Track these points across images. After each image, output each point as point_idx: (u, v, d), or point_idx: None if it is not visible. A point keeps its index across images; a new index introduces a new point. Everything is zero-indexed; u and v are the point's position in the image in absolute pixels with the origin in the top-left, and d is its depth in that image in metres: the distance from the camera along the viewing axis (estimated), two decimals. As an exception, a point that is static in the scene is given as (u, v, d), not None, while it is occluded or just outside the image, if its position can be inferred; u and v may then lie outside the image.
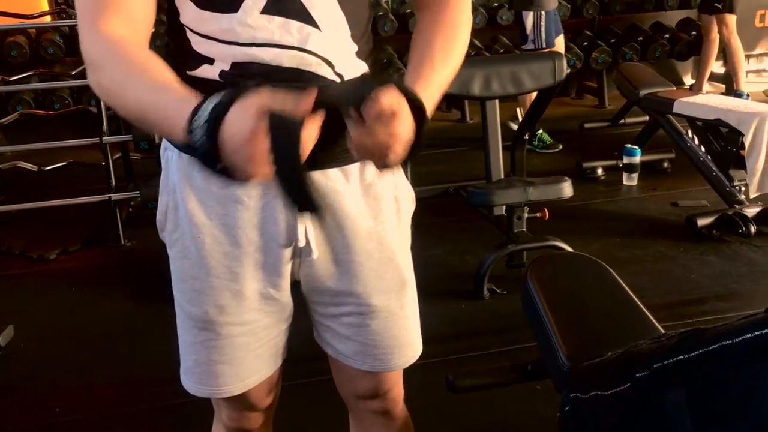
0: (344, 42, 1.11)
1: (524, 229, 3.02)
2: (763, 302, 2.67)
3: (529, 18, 4.68)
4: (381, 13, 5.43)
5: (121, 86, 0.99)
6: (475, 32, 5.89)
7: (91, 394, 2.43)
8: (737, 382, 0.84)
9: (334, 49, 1.10)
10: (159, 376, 2.32)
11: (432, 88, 1.08)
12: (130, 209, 3.78)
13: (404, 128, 0.94)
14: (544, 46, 4.65)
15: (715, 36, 5.66)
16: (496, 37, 5.94)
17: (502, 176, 3.39)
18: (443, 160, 4.47)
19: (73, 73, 3.92)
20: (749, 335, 0.83)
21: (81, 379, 2.52)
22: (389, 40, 5.49)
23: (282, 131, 0.85)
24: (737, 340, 0.84)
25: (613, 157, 4.32)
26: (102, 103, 4.08)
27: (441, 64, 1.12)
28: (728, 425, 0.84)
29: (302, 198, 0.91)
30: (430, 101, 1.05)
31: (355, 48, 1.13)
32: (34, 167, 3.90)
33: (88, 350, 2.71)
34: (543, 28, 4.66)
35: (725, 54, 5.98)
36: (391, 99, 0.93)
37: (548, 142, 4.87)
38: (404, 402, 1.43)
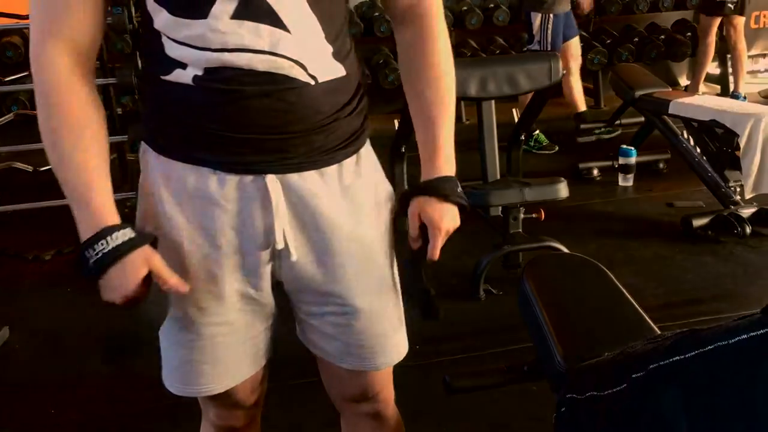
0: (317, 44, 1.12)
1: (520, 230, 3.02)
2: (759, 302, 2.66)
3: (537, 19, 4.67)
4: (377, 14, 5.43)
5: (51, 147, 1.09)
6: (471, 33, 5.90)
7: (87, 394, 2.43)
8: (733, 382, 0.84)
9: (306, 51, 1.10)
10: (154, 376, 2.31)
11: (447, 149, 1.24)
12: (126, 210, 3.77)
13: (452, 222, 1.22)
14: (549, 48, 4.63)
15: (713, 38, 5.67)
16: (492, 38, 5.94)
17: (499, 177, 3.39)
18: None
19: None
20: (745, 336, 0.83)
21: (76, 379, 2.52)
22: (386, 41, 5.49)
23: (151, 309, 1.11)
24: (733, 340, 0.84)
25: (609, 158, 4.32)
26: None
27: (443, 119, 1.24)
28: (724, 426, 0.84)
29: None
30: (451, 161, 1.24)
31: (331, 49, 1.13)
32: (29, 168, 3.89)
33: (84, 351, 2.70)
34: (550, 31, 4.64)
35: (721, 56, 6.00)
36: (435, 212, 1.20)
37: (544, 143, 4.87)
38: (399, 402, 1.43)
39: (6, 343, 2.75)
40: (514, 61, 3.52)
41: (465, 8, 5.74)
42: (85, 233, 1.07)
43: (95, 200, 1.07)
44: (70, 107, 1.08)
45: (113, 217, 1.08)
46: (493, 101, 3.34)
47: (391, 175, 3.31)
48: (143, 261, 1.07)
